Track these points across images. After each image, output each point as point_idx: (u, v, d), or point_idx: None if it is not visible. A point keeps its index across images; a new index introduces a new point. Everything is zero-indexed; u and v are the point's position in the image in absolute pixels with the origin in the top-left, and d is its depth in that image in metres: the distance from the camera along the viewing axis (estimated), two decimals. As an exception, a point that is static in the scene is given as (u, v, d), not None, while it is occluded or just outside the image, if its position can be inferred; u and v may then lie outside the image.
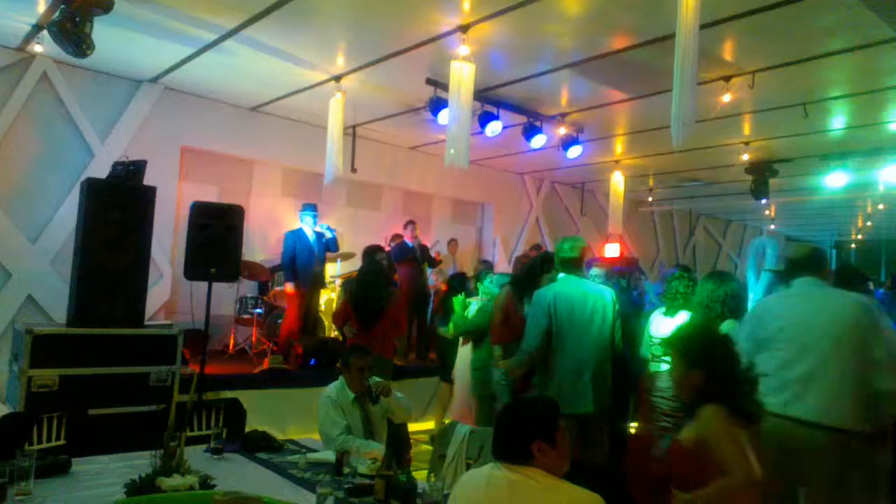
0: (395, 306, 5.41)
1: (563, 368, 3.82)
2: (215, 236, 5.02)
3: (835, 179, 8.70)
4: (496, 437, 2.13)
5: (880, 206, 12.05)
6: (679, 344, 2.43)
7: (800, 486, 2.76)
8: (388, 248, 7.93)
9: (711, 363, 2.30)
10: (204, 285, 5.15)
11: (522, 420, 2.11)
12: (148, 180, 5.00)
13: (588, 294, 3.94)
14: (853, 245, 18.65)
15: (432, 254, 8.70)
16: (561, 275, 4.05)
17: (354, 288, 5.55)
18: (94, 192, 4.70)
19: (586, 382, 3.80)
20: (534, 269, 4.42)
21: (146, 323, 5.01)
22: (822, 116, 7.09)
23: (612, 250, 10.49)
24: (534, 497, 1.96)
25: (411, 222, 8.67)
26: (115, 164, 5.12)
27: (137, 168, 4.95)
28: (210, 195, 7.29)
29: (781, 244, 15.50)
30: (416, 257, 8.28)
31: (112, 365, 4.49)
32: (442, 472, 3.47)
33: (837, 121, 7.37)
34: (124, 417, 4.41)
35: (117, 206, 4.71)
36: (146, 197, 4.84)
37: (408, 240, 8.39)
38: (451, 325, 5.48)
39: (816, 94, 6.44)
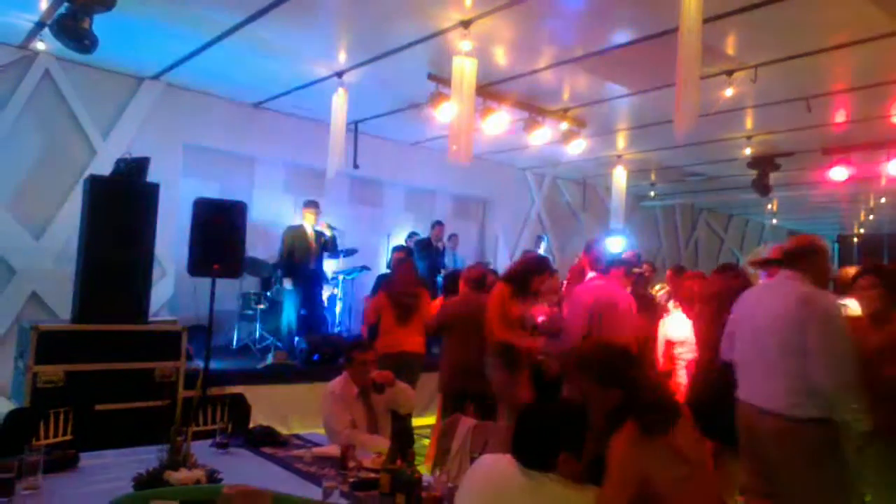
0: (428, 302, 5.46)
1: None
2: (218, 233, 5.03)
3: (837, 173, 8.70)
4: (519, 439, 2.06)
5: (882, 200, 12.03)
6: (589, 365, 2.33)
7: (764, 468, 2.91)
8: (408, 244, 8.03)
9: (628, 380, 2.22)
10: (207, 282, 5.17)
11: (550, 428, 2.04)
12: (151, 177, 5.01)
13: (616, 293, 4.17)
14: (856, 239, 18.63)
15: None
16: (595, 275, 4.19)
17: (391, 280, 5.57)
18: (98, 190, 4.72)
19: None
20: (528, 270, 4.44)
21: (150, 319, 5.03)
22: (825, 110, 7.07)
23: (614, 245, 10.47)
24: (556, 497, 1.95)
25: (439, 223, 8.73)
26: (118, 161, 5.13)
27: (140, 165, 4.97)
28: (212, 192, 7.29)
29: (760, 240, 15.62)
30: (435, 257, 8.34)
31: (117, 361, 4.52)
32: (447, 466, 3.49)
33: (840, 114, 7.35)
34: (130, 413, 4.44)
35: (121, 203, 4.74)
36: (149, 194, 4.86)
37: (433, 239, 8.46)
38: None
39: (819, 88, 6.43)
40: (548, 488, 1.95)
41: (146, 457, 2.69)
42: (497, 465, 2.09)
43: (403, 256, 5.79)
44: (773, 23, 4.93)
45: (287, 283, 6.80)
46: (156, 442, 2.79)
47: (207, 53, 6.20)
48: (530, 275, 4.40)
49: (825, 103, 6.84)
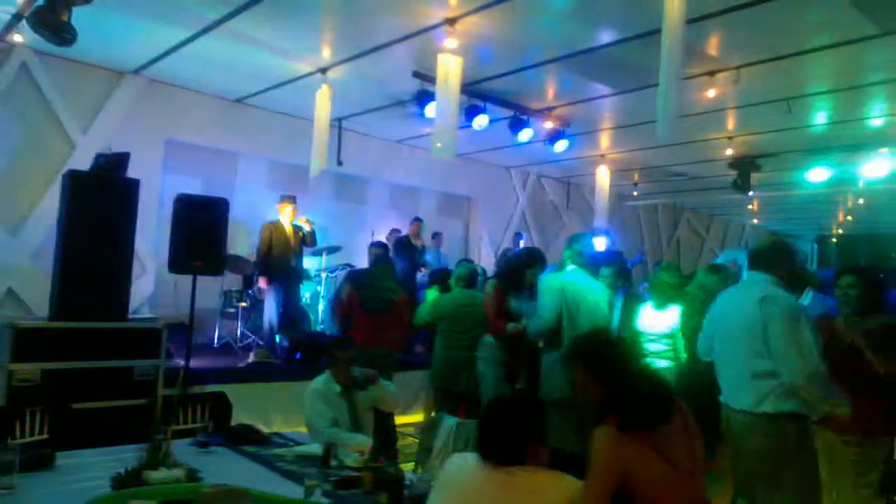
0: (404, 301, 5.43)
1: None
2: (199, 229, 4.97)
3: (817, 174, 8.83)
4: (484, 439, 2.08)
5: (860, 201, 12.23)
6: (581, 355, 2.36)
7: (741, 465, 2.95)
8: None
9: (611, 374, 2.23)
10: (188, 279, 5.11)
11: (514, 421, 2.07)
12: (131, 173, 4.93)
13: (591, 286, 4.20)
14: (834, 239, 18.93)
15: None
16: (571, 267, 4.17)
17: (362, 280, 5.53)
18: (77, 185, 4.63)
19: None
20: (520, 265, 4.48)
21: (130, 317, 4.96)
22: (805, 112, 7.17)
23: (598, 244, 10.54)
24: (534, 489, 1.97)
25: (417, 220, 8.69)
26: (98, 157, 5.04)
27: (120, 160, 4.88)
28: (194, 188, 7.19)
29: (742, 240, 15.81)
30: (414, 254, 8.31)
31: (95, 359, 4.44)
32: (429, 464, 3.49)
33: (820, 116, 7.45)
34: (108, 412, 4.37)
35: (100, 198, 4.64)
36: (129, 189, 4.78)
37: (411, 236, 8.42)
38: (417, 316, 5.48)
39: (800, 90, 6.51)
40: (520, 478, 1.99)
41: (125, 456, 2.65)
42: (467, 463, 2.11)
43: (381, 253, 5.74)
44: (754, 25, 4.98)
45: (262, 282, 6.71)
46: (135, 441, 2.75)
47: (190, 48, 6.12)
48: (523, 269, 4.43)
49: (805, 105, 6.93)
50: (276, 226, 6.88)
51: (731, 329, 2.99)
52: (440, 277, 6.41)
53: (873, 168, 8.30)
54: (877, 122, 7.38)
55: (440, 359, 4.99)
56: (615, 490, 2.08)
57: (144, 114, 7.14)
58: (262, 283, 6.73)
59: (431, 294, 5.63)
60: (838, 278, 3.42)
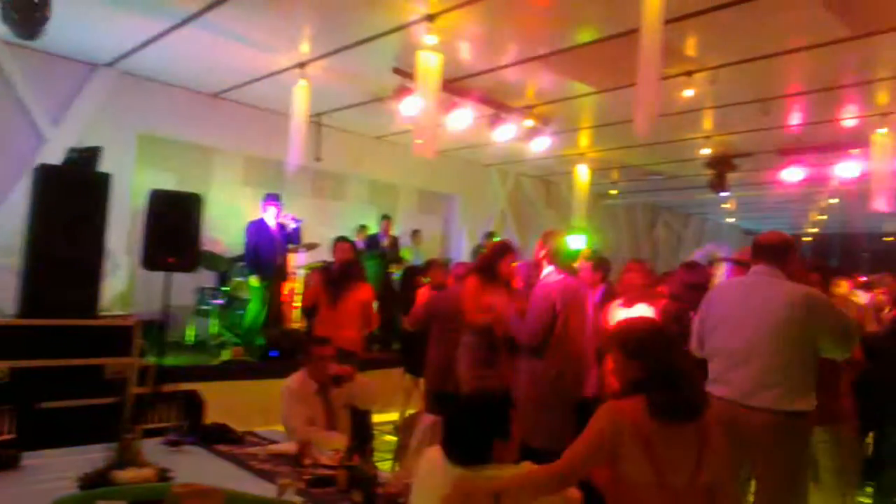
0: (363, 295, 5.39)
1: (564, 355, 3.95)
2: (173, 225, 4.91)
3: (791, 174, 8.96)
4: (452, 440, 2.07)
5: (833, 201, 12.45)
6: (620, 336, 2.37)
7: (752, 466, 2.94)
8: (356, 240, 7.91)
9: (648, 355, 2.20)
10: (162, 276, 5.04)
11: (480, 420, 2.07)
12: (103, 167, 4.84)
13: (576, 288, 4.15)
14: (808, 238, 19.25)
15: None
16: (549, 267, 4.15)
17: (327, 276, 5.50)
18: (47, 179, 4.53)
19: (579, 371, 3.99)
20: (493, 257, 4.48)
21: (102, 314, 4.87)
22: (781, 112, 7.27)
23: (577, 243, 10.59)
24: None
25: (386, 217, 8.66)
26: (69, 151, 4.94)
27: (92, 154, 4.79)
28: (169, 183, 7.07)
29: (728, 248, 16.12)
30: (384, 252, 8.27)
31: (65, 357, 4.35)
32: (406, 462, 3.47)
33: (795, 117, 7.56)
34: (78, 411, 4.28)
35: (71, 193, 4.55)
36: (101, 184, 4.68)
37: (381, 234, 8.38)
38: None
39: (775, 91, 6.59)
40: (487, 474, 1.99)
41: (93, 456, 2.61)
42: (436, 462, 2.10)
43: (347, 247, 5.72)
44: (732, 26, 5.03)
45: (253, 280, 6.65)
46: (106, 440, 2.70)
47: (165, 41, 6.02)
48: (495, 259, 4.43)
49: (781, 105, 7.02)
50: (260, 225, 6.82)
51: (755, 325, 2.90)
52: (411, 275, 6.39)
53: (846, 168, 8.44)
54: (849, 122, 7.50)
55: (435, 359, 4.84)
56: (596, 463, 2.06)
57: (117, 107, 7.01)
58: (253, 281, 6.66)
59: (423, 293, 5.57)
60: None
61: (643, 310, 4.28)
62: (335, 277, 5.40)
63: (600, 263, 5.27)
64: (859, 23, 4.88)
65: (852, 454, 3.39)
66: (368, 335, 5.88)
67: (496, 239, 10.49)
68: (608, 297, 4.83)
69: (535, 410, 3.87)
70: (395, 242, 8.80)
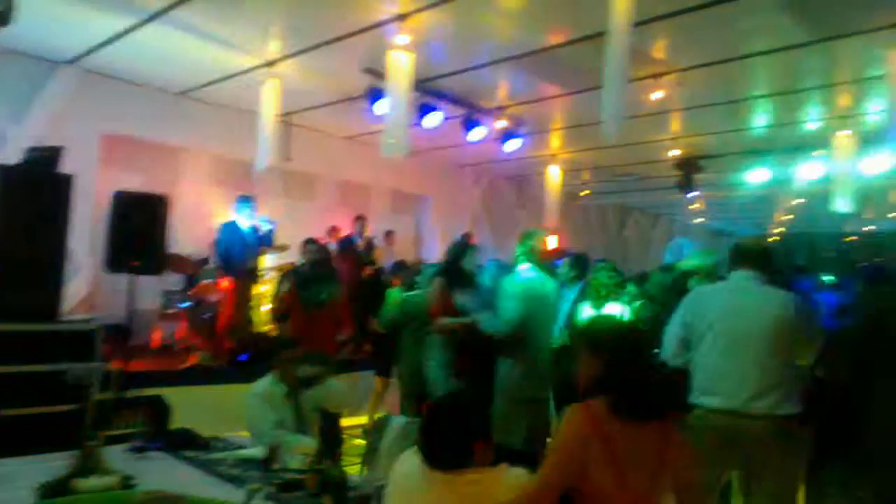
0: (340, 302, 5.35)
1: (532, 353, 4.00)
2: (138, 227, 4.81)
3: (757, 175, 9.15)
4: (431, 444, 2.01)
5: (799, 201, 12.75)
6: (585, 333, 2.37)
7: (745, 473, 2.94)
8: (325, 241, 7.84)
9: (612, 352, 2.17)
10: (126, 279, 4.93)
11: (456, 424, 2.03)
12: (66, 167, 4.72)
13: (549, 286, 4.22)
14: (774, 238, 19.68)
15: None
16: (525, 265, 4.15)
17: (299, 279, 5.43)
18: (6, 179, 4.41)
19: (544, 368, 4.05)
20: (454, 257, 4.47)
21: (63, 318, 4.74)
22: (746, 115, 7.41)
23: (550, 242, 10.68)
24: (481, 492, 1.95)
25: (361, 217, 8.60)
26: (29, 150, 4.81)
27: (53, 154, 4.67)
28: (134, 184, 6.90)
29: (697, 243, 16.43)
30: (358, 254, 8.21)
31: (25, 362, 4.23)
32: (375, 465, 3.44)
33: (759, 119, 7.72)
34: (39, 418, 4.16)
35: (31, 194, 4.43)
36: (63, 185, 4.57)
37: (355, 235, 8.32)
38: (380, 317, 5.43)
39: (741, 93, 6.72)
40: (466, 482, 1.96)
41: (54, 464, 2.53)
42: (414, 466, 2.05)
43: (318, 251, 5.67)
44: (697, 29, 5.11)
45: (225, 283, 6.56)
46: (67, 448, 2.62)
47: (130, 38, 5.89)
48: (458, 260, 4.43)
49: (746, 108, 7.16)
50: (233, 227, 6.72)
51: (748, 332, 2.90)
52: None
53: (809, 170, 8.64)
54: (812, 125, 7.68)
55: (408, 363, 4.80)
56: (569, 474, 2.01)
57: (80, 106, 6.83)
58: (224, 283, 6.55)
59: (394, 294, 5.53)
60: None
61: (615, 308, 4.33)
62: (307, 280, 5.34)
63: (577, 262, 5.33)
64: (820, 27, 5.00)
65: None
66: (342, 338, 5.83)
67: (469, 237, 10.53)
68: (584, 296, 4.87)
69: (511, 411, 3.89)
70: (370, 244, 8.75)
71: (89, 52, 6.37)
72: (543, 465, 2.05)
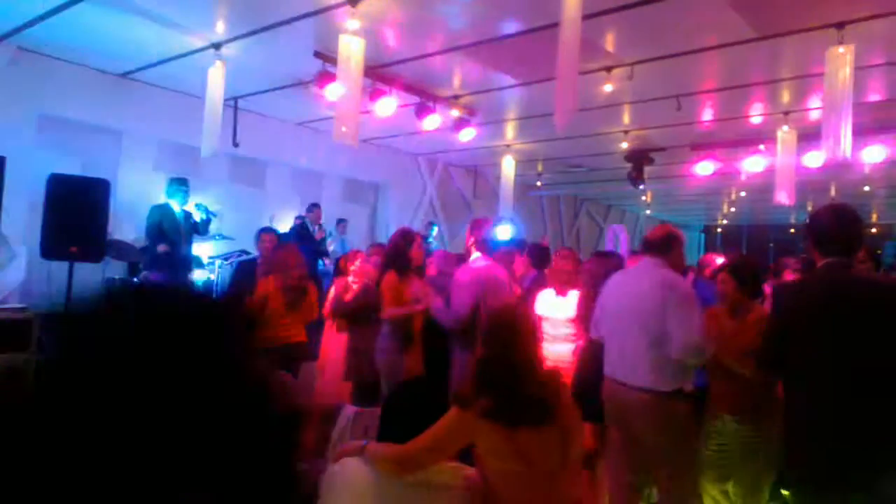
0: (314, 290, 5.25)
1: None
2: (77, 213, 4.63)
3: (703, 168, 9.39)
4: (392, 432, 2.01)
5: (742, 194, 13.16)
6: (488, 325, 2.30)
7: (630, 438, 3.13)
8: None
9: (489, 346, 2.14)
10: (65, 266, 4.73)
11: (420, 410, 2.03)
12: (-4, 149, 4.49)
13: (501, 276, 4.23)
14: (719, 229, 20.32)
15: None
16: (476, 255, 4.21)
17: (284, 265, 5.28)
18: (-72, 160, 4.16)
19: None
20: (399, 246, 4.45)
21: (-5, 307, 4.53)
22: (694, 108, 7.57)
23: (502, 232, 10.74)
24: (432, 483, 1.95)
25: (315, 205, 8.45)
26: (-45, 130, 4.55)
27: (-19, 134, 4.43)
28: (73, 167, 6.64)
29: (637, 229, 17.00)
30: (313, 243, 8.08)
31: (-49, 354, 4.03)
32: (327, 454, 3.41)
33: (706, 113, 7.91)
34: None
35: (-43, 176, 4.21)
36: (-8, 167, 4.35)
37: (311, 224, 8.17)
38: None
39: (688, 88, 6.86)
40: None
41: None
42: (359, 468, 2.02)
43: (271, 238, 5.54)
44: (647, 23, 5.18)
45: (161, 248, 6.32)
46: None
47: (66, 15, 5.60)
48: (403, 248, 4.41)
49: (694, 102, 7.32)
50: (165, 210, 6.49)
51: (627, 309, 3.15)
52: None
53: (753, 163, 8.91)
54: (756, 119, 7.92)
55: (356, 351, 4.71)
56: (446, 453, 2.00)
57: (13, 85, 6.48)
58: (150, 271, 6.33)
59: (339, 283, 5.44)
60: (717, 274, 3.74)
61: (575, 297, 4.38)
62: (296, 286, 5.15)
63: (531, 251, 5.35)
64: (764, 24, 5.14)
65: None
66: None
67: (434, 229, 10.53)
68: (538, 285, 4.91)
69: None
70: (325, 233, 8.63)
71: (22, 27, 6.04)
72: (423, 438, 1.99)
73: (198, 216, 6.79)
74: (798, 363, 2.46)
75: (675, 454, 3.00)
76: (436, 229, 10.86)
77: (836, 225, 2.52)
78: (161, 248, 6.26)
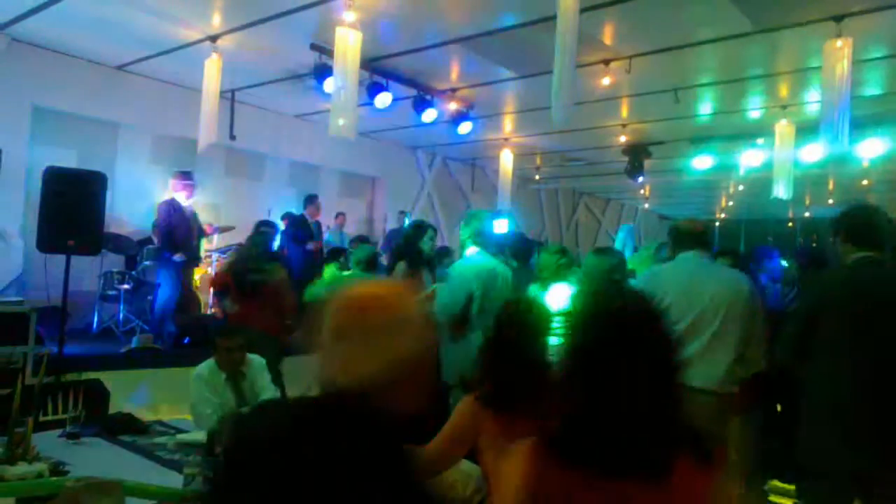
0: (279, 282, 5.22)
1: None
2: (73, 206, 4.61)
3: (701, 162, 9.39)
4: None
5: (740, 187, 13.16)
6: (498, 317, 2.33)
7: None
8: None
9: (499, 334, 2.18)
10: (62, 259, 4.73)
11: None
12: (-8, 141, 4.48)
13: (498, 269, 4.15)
14: (717, 223, 20.33)
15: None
16: (473, 249, 4.12)
17: (234, 259, 5.31)
18: (-76, 153, 4.15)
19: None
20: (410, 238, 4.45)
21: (-8, 300, 4.53)
22: (692, 102, 7.57)
23: (500, 226, 10.72)
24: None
25: (314, 197, 8.40)
26: (-49, 121, 4.54)
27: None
28: (69, 160, 6.62)
29: (638, 231, 16.92)
30: (312, 235, 8.06)
31: (-50, 346, 4.03)
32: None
33: (705, 107, 7.90)
34: (-35, 404, 3.97)
35: (-47, 168, 4.20)
36: (-11, 159, 4.34)
37: (309, 216, 8.13)
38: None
39: (687, 81, 6.85)
40: None
41: (-22, 453, 2.40)
42: None
43: (260, 232, 5.54)
44: (646, 16, 5.18)
45: (178, 257, 6.34)
46: (-2, 435, 2.51)
47: (62, 6, 5.58)
48: (415, 242, 4.40)
49: (692, 95, 7.31)
50: (174, 205, 6.48)
51: (705, 309, 2.99)
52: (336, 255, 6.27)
53: (751, 157, 8.91)
54: (754, 113, 7.92)
55: None
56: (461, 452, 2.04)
57: (8, 77, 6.46)
58: (178, 258, 6.35)
59: (329, 271, 5.47)
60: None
61: (561, 291, 4.37)
62: (242, 260, 5.20)
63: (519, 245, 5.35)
64: (762, 18, 5.13)
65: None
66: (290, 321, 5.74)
67: (407, 221, 10.44)
68: (524, 279, 4.91)
69: (458, 397, 3.89)
70: (319, 227, 8.60)
71: (16, 19, 6.01)
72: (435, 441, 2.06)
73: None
74: (826, 354, 2.54)
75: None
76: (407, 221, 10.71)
77: (872, 221, 2.63)
78: (178, 256, 6.30)
